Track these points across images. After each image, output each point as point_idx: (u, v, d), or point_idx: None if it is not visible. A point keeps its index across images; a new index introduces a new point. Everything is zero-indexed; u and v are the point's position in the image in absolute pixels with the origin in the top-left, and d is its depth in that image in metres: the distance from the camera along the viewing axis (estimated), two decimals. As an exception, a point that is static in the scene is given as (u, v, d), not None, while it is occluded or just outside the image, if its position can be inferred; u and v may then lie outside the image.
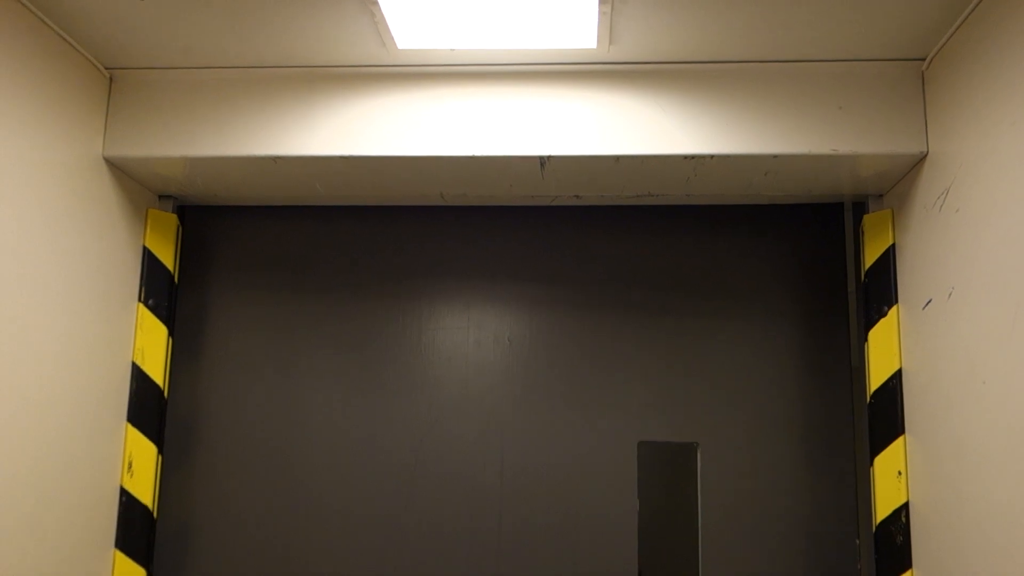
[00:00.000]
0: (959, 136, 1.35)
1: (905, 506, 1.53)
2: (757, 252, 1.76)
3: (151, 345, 1.68)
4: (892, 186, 1.61)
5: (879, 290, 1.61)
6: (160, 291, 1.70)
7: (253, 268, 1.79)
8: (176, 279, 1.76)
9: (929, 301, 1.45)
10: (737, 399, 1.71)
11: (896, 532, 1.53)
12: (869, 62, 1.48)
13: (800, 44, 1.43)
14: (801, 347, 1.73)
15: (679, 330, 1.74)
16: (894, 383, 1.57)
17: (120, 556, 1.60)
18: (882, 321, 1.60)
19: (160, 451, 1.69)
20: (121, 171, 1.60)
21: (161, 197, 1.75)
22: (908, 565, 1.51)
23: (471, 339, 1.75)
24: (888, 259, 1.60)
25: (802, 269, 1.75)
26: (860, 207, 1.72)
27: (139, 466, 1.63)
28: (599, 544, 1.68)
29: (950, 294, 1.38)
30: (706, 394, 1.72)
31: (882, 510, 1.56)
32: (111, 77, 1.56)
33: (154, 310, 1.69)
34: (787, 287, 1.75)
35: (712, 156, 1.48)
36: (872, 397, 1.61)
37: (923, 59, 1.47)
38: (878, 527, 1.57)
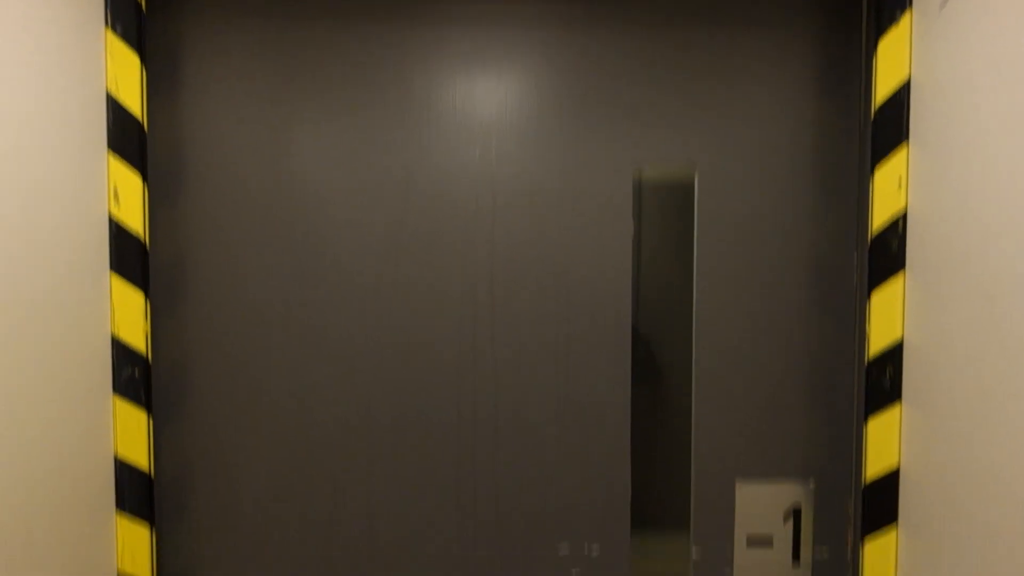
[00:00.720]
0: None
1: (904, 215, 1.53)
2: None
3: (124, 74, 1.59)
4: None
5: (892, -6, 1.53)
6: (128, 17, 1.58)
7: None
8: (143, 7, 1.64)
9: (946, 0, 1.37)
10: (741, 121, 1.67)
11: (892, 239, 1.54)
12: None
13: None
14: (812, 63, 1.67)
15: (683, 44, 1.66)
16: (902, 93, 1.52)
17: (115, 279, 1.59)
18: (893, 28, 1.53)
19: (145, 181, 1.64)
20: None
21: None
22: (902, 266, 1.54)
23: (461, 59, 1.68)
24: (904, -45, 1.51)
25: None
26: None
27: (125, 195, 1.59)
28: (593, 274, 1.69)
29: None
30: (709, 116, 1.67)
31: (879, 218, 1.56)
32: None
33: (124, 37, 1.58)
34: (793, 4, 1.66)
35: None
36: (878, 108, 1.56)
37: None
38: (874, 238, 1.57)
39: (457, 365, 1.69)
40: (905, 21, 1.52)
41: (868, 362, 1.58)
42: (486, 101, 1.68)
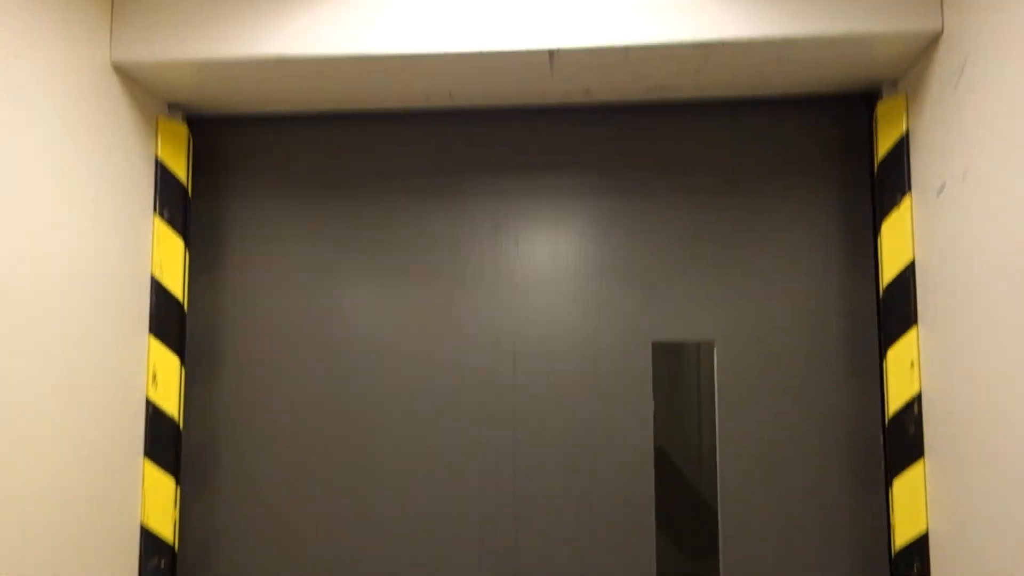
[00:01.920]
0: (974, 10, 1.33)
1: (918, 396, 1.54)
2: (779, 146, 1.74)
3: (169, 258, 1.70)
4: (907, 71, 1.59)
5: (892, 180, 1.60)
6: (175, 204, 1.71)
7: (264, 180, 1.80)
8: (189, 192, 1.77)
9: (943, 186, 1.44)
10: (757, 296, 1.71)
11: (909, 422, 1.55)
12: (883, -62, 1.44)
13: (812, -78, 1.39)
14: (825, 241, 1.71)
15: (698, 228, 1.73)
16: (907, 274, 1.57)
17: (149, 465, 1.64)
18: (895, 211, 1.59)
19: (183, 363, 1.72)
20: (130, 78, 1.60)
21: (171, 107, 1.74)
22: (920, 454, 1.53)
23: (485, 236, 1.76)
24: (902, 147, 1.58)
25: (826, 161, 1.73)
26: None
27: (163, 377, 1.67)
28: (614, 448, 1.71)
29: (964, 176, 1.37)
30: (725, 293, 1.72)
31: (894, 401, 1.57)
32: (113, -20, 1.55)
33: (170, 223, 1.70)
34: (811, 180, 1.73)
35: (724, 42, 1.45)
36: (885, 290, 1.61)
37: (938, -67, 1.43)
38: (891, 419, 1.58)
39: (480, 524, 1.70)
40: (906, 204, 1.58)
41: (894, 554, 1.56)
42: (510, 270, 1.75)
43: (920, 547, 1.51)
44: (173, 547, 1.66)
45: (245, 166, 1.81)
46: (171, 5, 1.53)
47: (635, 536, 1.68)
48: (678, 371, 1.75)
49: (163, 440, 1.66)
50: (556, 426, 1.71)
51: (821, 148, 1.73)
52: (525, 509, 1.70)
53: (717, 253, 1.72)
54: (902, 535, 1.54)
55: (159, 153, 1.69)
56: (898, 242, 1.58)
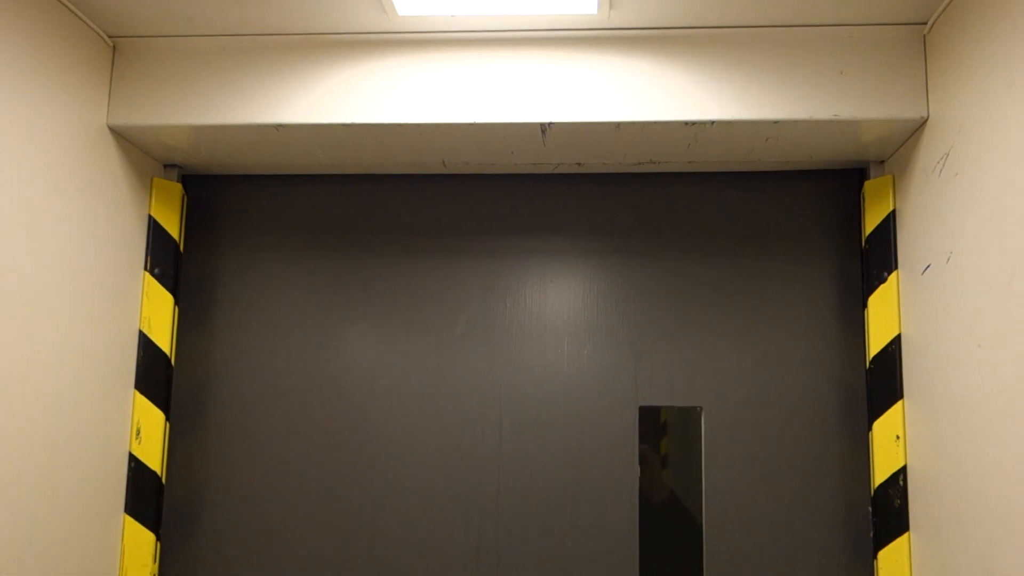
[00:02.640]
0: (959, 100, 1.36)
1: (903, 470, 1.55)
2: (772, 216, 1.76)
3: (157, 314, 1.70)
4: (893, 152, 1.62)
5: (879, 256, 1.62)
6: (166, 260, 1.72)
7: (257, 237, 1.81)
8: (181, 248, 1.78)
9: (928, 267, 1.46)
10: (746, 364, 1.72)
11: (894, 495, 1.55)
12: (871, 27, 1.48)
13: (801, 9, 1.42)
14: (817, 311, 1.73)
15: (689, 293, 1.74)
16: (893, 348, 1.58)
17: (130, 521, 1.63)
18: (882, 287, 1.61)
19: (167, 418, 1.71)
20: (126, 140, 1.62)
21: (166, 167, 1.76)
22: (906, 528, 1.53)
23: (475, 298, 1.77)
24: (888, 225, 1.61)
25: (819, 232, 1.75)
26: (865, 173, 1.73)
27: (147, 433, 1.66)
28: (597, 511, 1.70)
29: (948, 259, 1.39)
30: (714, 359, 1.72)
31: (880, 474, 1.58)
32: (114, 46, 1.57)
33: (160, 279, 1.70)
34: (803, 250, 1.74)
35: (713, 122, 1.48)
36: (871, 363, 1.62)
37: (925, 23, 1.47)
38: (876, 490, 1.59)
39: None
40: (892, 280, 1.60)
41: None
42: (495, 327, 1.76)
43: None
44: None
45: (239, 223, 1.82)
46: (170, 71, 1.55)
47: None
48: (665, 436, 1.75)
49: (145, 495, 1.65)
50: (540, 487, 1.71)
51: (814, 219, 1.75)
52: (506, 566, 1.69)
53: (707, 319, 1.73)
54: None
55: (152, 211, 1.70)
56: (885, 317, 1.60)
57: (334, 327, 1.77)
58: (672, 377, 1.73)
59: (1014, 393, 1.17)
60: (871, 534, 1.63)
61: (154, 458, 1.66)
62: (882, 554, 1.56)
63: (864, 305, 1.67)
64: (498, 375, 1.74)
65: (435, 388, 1.74)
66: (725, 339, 1.72)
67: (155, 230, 1.70)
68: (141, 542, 1.64)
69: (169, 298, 1.71)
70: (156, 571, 1.67)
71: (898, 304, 1.59)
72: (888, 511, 1.56)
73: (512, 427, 1.72)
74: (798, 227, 1.75)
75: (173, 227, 1.74)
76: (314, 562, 1.70)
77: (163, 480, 1.70)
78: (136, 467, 1.65)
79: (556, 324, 1.75)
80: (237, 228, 1.81)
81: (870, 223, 1.65)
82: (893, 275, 1.60)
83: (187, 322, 1.78)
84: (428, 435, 1.72)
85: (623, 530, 1.68)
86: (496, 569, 1.68)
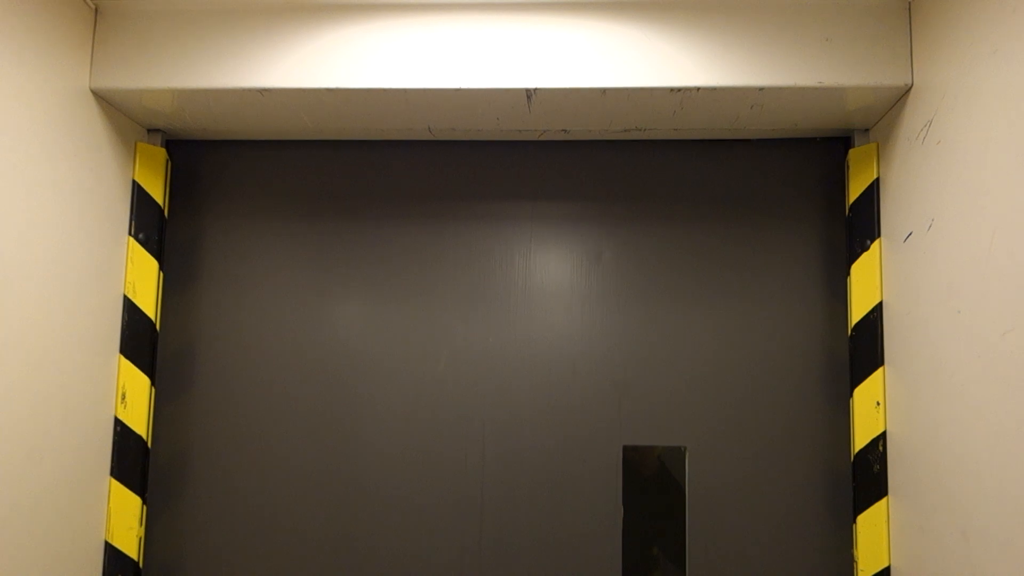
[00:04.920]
0: (943, 67, 1.36)
1: (883, 435, 1.57)
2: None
3: (142, 279, 1.69)
4: (878, 120, 1.62)
5: (862, 224, 1.63)
6: (150, 225, 1.71)
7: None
8: (166, 213, 1.77)
9: (910, 234, 1.47)
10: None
11: (873, 461, 1.57)
12: (857, -7, 1.48)
13: (788, -27, 1.42)
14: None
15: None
16: (874, 315, 1.60)
17: (115, 484, 1.63)
18: (864, 255, 1.62)
19: (153, 383, 1.72)
20: (108, 104, 1.60)
21: (150, 131, 1.75)
22: (884, 492, 1.56)
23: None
24: (872, 193, 1.62)
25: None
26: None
27: (132, 397, 1.66)
28: (581, 553, 1.70)
29: (930, 226, 1.40)
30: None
31: (860, 439, 1.60)
32: (96, 8, 1.55)
33: (144, 244, 1.70)
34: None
35: (698, 88, 1.48)
36: (853, 330, 1.64)
37: (910, -10, 1.47)
38: (856, 456, 1.61)
39: None
40: (875, 248, 1.61)
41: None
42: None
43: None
44: (137, 563, 1.65)
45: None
46: (153, 34, 1.54)
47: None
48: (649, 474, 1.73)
49: (130, 459, 1.66)
50: (524, 526, 1.71)
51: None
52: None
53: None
54: (866, 571, 1.57)
55: (136, 175, 1.69)
56: (867, 284, 1.61)
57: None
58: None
59: (991, 357, 1.19)
60: (851, 498, 1.65)
61: (140, 422, 1.67)
62: (861, 518, 1.59)
63: (848, 273, 1.69)
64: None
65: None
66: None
67: (139, 195, 1.70)
68: (127, 505, 1.64)
69: (154, 263, 1.71)
70: (142, 534, 1.68)
71: (880, 272, 1.60)
72: (868, 476, 1.58)
73: (495, 458, 1.73)
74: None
75: (157, 192, 1.73)
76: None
77: (148, 444, 1.71)
78: (122, 431, 1.65)
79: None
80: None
81: (854, 191, 1.66)
82: (876, 243, 1.61)
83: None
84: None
85: (607, 564, 1.70)
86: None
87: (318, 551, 1.70)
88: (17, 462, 1.37)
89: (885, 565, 1.54)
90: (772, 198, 1.75)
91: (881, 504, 1.56)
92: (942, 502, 1.34)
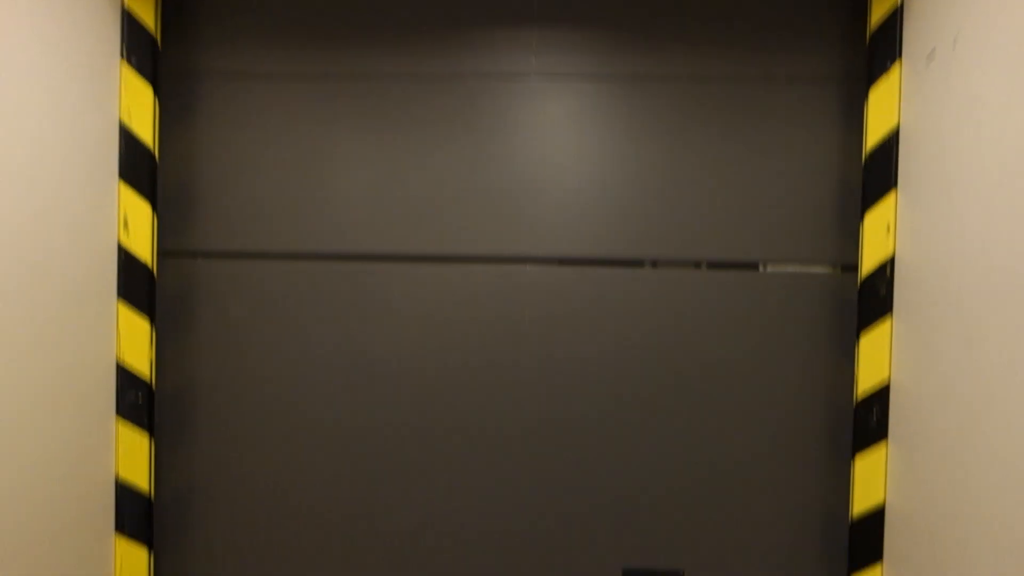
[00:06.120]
0: None
1: (892, 259, 1.57)
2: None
3: (137, 105, 1.64)
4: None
5: (884, 46, 1.58)
6: (143, 51, 1.64)
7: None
8: (159, 41, 1.69)
9: (933, 50, 1.42)
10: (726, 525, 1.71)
11: (880, 285, 1.58)
12: None
13: None
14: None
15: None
16: (890, 141, 1.57)
17: (124, 308, 1.63)
18: (884, 77, 1.58)
19: (155, 209, 1.68)
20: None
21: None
22: (889, 309, 1.57)
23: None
24: (896, 15, 1.56)
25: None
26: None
27: (135, 223, 1.64)
28: None
29: (954, 42, 1.35)
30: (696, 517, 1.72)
31: (868, 262, 1.60)
32: None
33: (138, 69, 1.63)
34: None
35: None
36: (868, 156, 1.61)
37: None
38: (863, 282, 1.61)
39: None
40: (895, 71, 1.56)
41: (857, 402, 1.62)
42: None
43: (883, 396, 1.58)
44: (150, 383, 1.67)
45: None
46: None
47: None
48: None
49: (136, 282, 1.65)
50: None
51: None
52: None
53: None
54: (865, 383, 1.61)
55: (126, 2, 1.61)
56: (885, 108, 1.58)
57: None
58: (655, 536, 1.71)
59: (1011, 170, 1.17)
60: (855, 322, 1.66)
61: (144, 248, 1.65)
62: (864, 336, 1.60)
63: (865, 99, 1.64)
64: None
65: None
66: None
67: (130, 22, 1.63)
68: (136, 328, 1.64)
69: (149, 90, 1.65)
70: (153, 357, 1.68)
71: (899, 94, 1.56)
72: (875, 299, 1.59)
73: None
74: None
75: (148, 19, 1.65)
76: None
77: (154, 272, 1.69)
78: (126, 258, 1.63)
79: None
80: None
81: (876, 14, 1.60)
82: (896, 64, 1.56)
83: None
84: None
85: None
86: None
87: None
88: (25, 282, 1.35)
89: (885, 377, 1.56)
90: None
91: (885, 322, 1.57)
92: (949, 319, 1.35)
